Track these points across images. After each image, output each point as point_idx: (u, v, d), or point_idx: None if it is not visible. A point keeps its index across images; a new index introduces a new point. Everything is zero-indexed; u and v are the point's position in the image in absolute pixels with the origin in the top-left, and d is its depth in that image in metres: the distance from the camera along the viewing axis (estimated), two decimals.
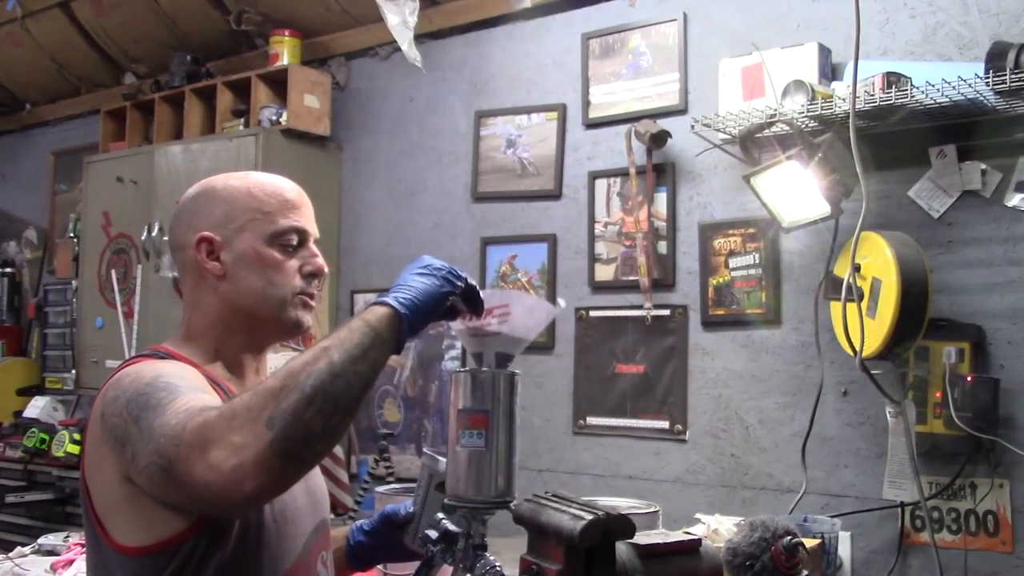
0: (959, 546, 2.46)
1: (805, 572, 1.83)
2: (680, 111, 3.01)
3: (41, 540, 2.81)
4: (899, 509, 2.54)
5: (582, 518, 1.14)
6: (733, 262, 2.88)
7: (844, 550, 2.51)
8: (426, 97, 3.69)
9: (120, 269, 4.16)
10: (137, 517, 1.23)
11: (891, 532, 2.57)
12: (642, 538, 1.25)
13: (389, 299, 1.20)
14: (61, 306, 4.86)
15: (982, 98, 2.35)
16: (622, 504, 2.37)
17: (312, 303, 1.43)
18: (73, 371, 4.51)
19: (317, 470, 1.46)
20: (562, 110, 3.30)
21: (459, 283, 1.26)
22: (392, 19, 3.15)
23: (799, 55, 2.64)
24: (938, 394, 2.44)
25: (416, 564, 1.34)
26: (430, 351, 3.57)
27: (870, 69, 2.41)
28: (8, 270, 5.26)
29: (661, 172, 3.04)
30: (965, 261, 2.51)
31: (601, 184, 3.19)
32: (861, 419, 2.64)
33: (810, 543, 2.05)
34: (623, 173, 3.10)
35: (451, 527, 1.26)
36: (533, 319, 1.32)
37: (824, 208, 2.48)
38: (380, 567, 2.18)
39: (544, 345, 3.22)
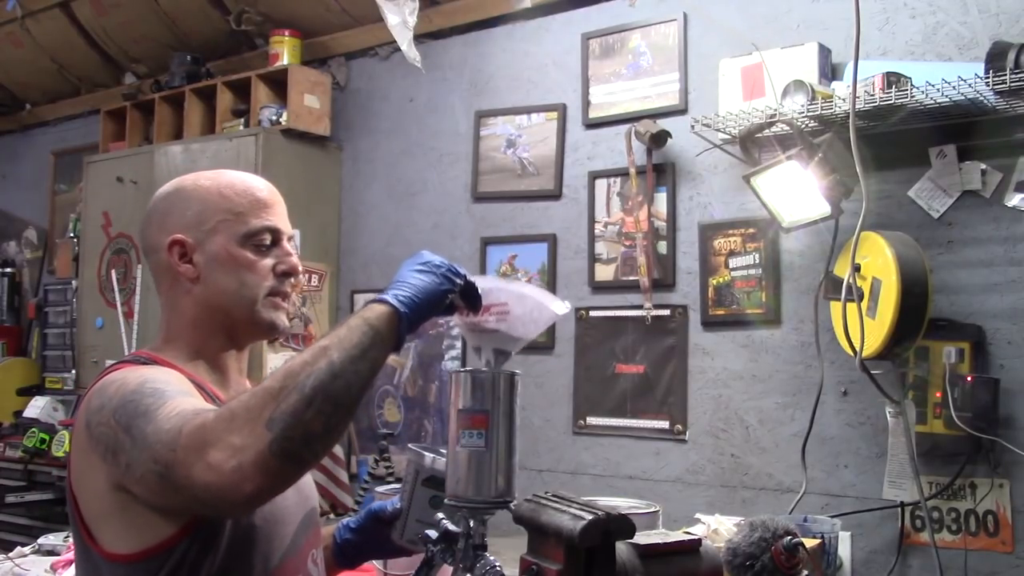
0: (959, 546, 2.46)
1: (805, 572, 1.83)
2: (680, 111, 3.01)
3: (41, 540, 2.80)
4: (899, 509, 2.54)
5: (582, 518, 1.14)
6: (733, 262, 2.88)
7: (844, 550, 2.51)
8: (426, 97, 3.69)
9: (120, 269, 4.16)
10: (127, 524, 1.21)
11: (891, 532, 2.57)
12: (642, 538, 1.25)
13: (388, 297, 1.19)
14: (61, 306, 4.86)
15: (982, 98, 2.35)
16: (622, 504, 2.36)
17: (285, 304, 1.41)
18: (73, 371, 4.52)
19: None
20: (562, 110, 3.30)
21: (458, 280, 1.26)
22: (392, 19, 3.15)
23: (799, 55, 2.64)
24: (938, 394, 2.44)
25: (405, 559, 1.33)
26: (430, 351, 3.57)
27: (870, 69, 2.41)
28: (8, 270, 5.25)
29: (661, 172, 3.04)
30: (965, 261, 2.51)
31: (601, 184, 3.19)
32: (861, 419, 2.64)
33: (810, 543, 2.05)
34: (623, 173, 3.10)
35: (451, 527, 1.26)
36: (533, 320, 1.32)
37: (824, 208, 2.48)
38: (380, 566, 2.18)
39: (544, 345, 3.22)
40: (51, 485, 4.15)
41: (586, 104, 3.24)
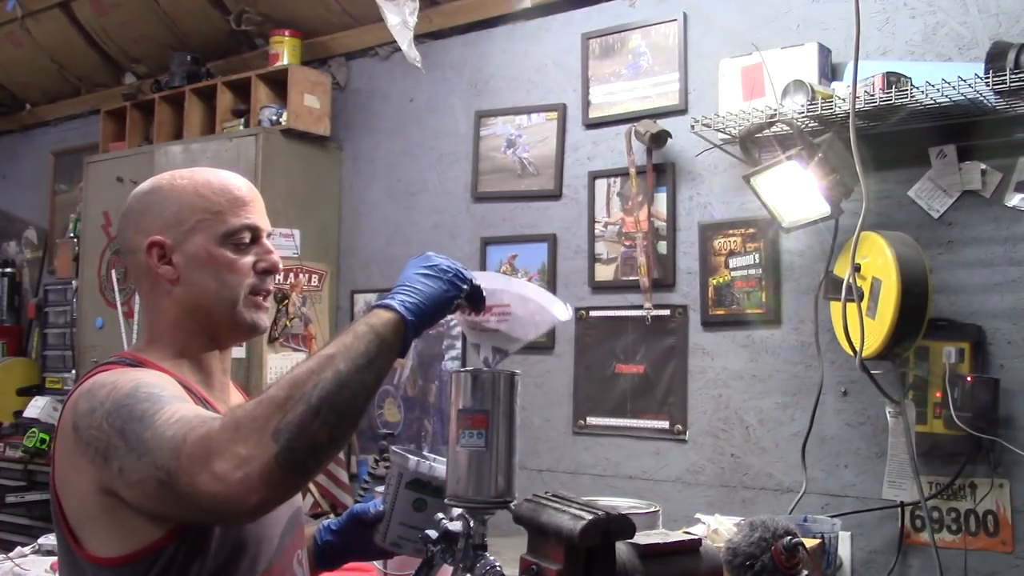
0: (959, 546, 2.46)
1: (805, 572, 1.83)
2: (680, 111, 3.01)
3: (41, 540, 2.80)
4: (899, 509, 2.54)
5: (582, 518, 1.14)
6: (733, 262, 2.88)
7: (844, 550, 2.51)
8: (426, 97, 3.69)
9: (120, 269, 4.16)
10: (113, 527, 1.20)
11: (891, 532, 2.57)
12: (642, 538, 1.25)
13: (395, 303, 1.19)
14: (61, 306, 4.86)
15: (982, 98, 2.35)
16: (622, 504, 2.36)
17: (266, 303, 1.41)
18: (73, 371, 4.51)
19: None
20: (562, 110, 3.30)
21: (464, 286, 1.25)
22: (392, 19, 3.15)
23: (799, 55, 2.64)
24: (938, 394, 2.44)
25: (405, 559, 1.33)
26: (430, 351, 3.57)
27: (870, 69, 2.41)
28: (8, 270, 5.25)
29: (661, 172, 3.04)
30: (965, 261, 2.51)
31: (601, 184, 3.19)
32: (861, 419, 2.64)
33: (810, 543, 2.05)
34: (623, 173, 3.10)
35: (451, 527, 1.26)
36: (533, 323, 1.33)
37: (824, 208, 2.48)
38: (380, 566, 2.18)
39: (544, 345, 3.22)
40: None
41: (586, 104, 3.24)
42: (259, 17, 3.97)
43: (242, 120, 3.90)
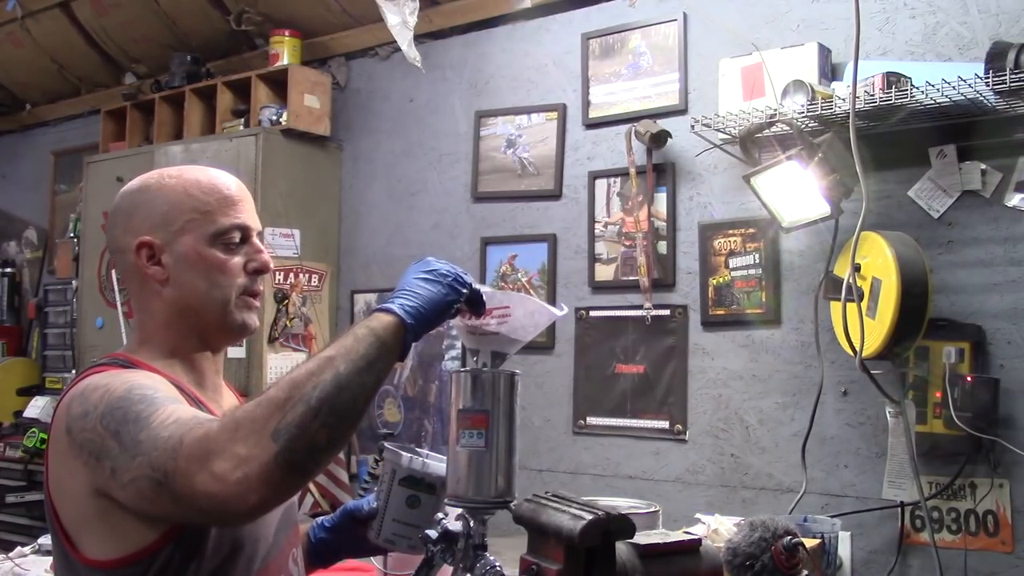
0: (959, 546, 2.46)
1: (805, 572, 1.83)
2: (680, 111, 3.01)
3: (41, 540, 2.80)
4: (899, 509, 2.54)
5: (582, 518, 1.14)
6: (733, 262, 2.88)
7: (844, 550, 2.51)
8: (426, 97, 3.69)
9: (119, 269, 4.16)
10: (108, 530, 1.20)
11: (891, 532, 2.57)
12: (642, 538, 1.25)
13: (395, 307, 1.19)
14: (61, 306, 4.86)
15: (982, 98, 2.35)
16: (622, 504, 2.36)
17: (257, 303, 1.39)
18: (73, 371, 4.51)
19: None
20: (562, 110, 3.30)
21: (464, 290, 1.26)
22: (392, 19, 3.15)
23: (799, 55, 2.64)
24: (938, 394, 2.43)
25: (405, 558, 1.33)
26: (430, 351, 3.57)
27: (870, 69, 2.41)
28: (8, 270, 5.25)
29: (661, 172, 3.04)
30: (965, 261, 2.51)
31: (601, 184, 3.19)
32: (861, 419, 2.64)
33: (810, 543, 2.05)
34: (623, 173, 3.10)
35: (451, 527, 1.26)
36: (532, 322, 1.33)
37: (824, 208, 2.48)
38: (380, 566, 2.18)
39: (544, 345, 3.22)
40: None
41: (586, 104, 3.24)
42: (259, 17, 3.97)
43: (242, 120, 3.90)
